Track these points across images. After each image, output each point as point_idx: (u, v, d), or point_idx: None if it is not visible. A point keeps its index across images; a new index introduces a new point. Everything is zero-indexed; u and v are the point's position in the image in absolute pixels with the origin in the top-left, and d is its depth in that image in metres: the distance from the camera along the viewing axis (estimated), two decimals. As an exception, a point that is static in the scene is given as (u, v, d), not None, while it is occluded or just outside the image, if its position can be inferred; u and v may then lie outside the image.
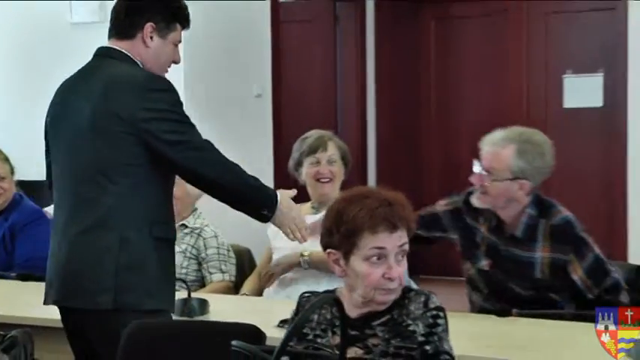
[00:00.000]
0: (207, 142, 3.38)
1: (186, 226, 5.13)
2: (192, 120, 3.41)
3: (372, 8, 8.89)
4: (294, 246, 3.87)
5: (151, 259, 3.38)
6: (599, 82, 8.30)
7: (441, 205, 4.25)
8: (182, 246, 4.98)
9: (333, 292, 2.95)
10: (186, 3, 3.58)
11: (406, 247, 2.81)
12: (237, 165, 3.41)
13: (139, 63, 3.47)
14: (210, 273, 5.04)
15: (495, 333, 3.64)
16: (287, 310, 3.18)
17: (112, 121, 3.30)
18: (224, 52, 7.46)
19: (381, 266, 2.76)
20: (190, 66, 6.89)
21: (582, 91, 8.37)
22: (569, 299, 3.98)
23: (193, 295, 4.10)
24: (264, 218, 3.44)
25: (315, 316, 2.87)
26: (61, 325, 3.58)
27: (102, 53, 3.53)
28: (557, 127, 8.17)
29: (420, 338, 2.75)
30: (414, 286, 3.55)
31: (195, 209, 5.23)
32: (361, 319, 2.82)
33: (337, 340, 2.73)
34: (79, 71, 3.56)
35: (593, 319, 3.75)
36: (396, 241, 2.78)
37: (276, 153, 7.50)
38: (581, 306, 3.94)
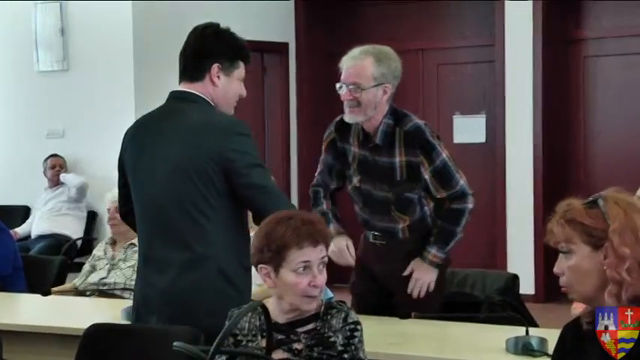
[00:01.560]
0: (277, 189, 3.29)
1: (135, 245, 5.08)
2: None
3: (294, 60, 8.88)
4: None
5: (244, 286, 3.23)
6: (482, 121, 8.39)
7: (323, 151, 4.10)
8: (131, 262, 4.91)
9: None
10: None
11: (326, 259, 2.78)
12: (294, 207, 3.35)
13: (210, 102, 3.30)
14: None
15: (398, 332, 3.61)
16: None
17: (202, 159, 3.15)
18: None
19: (307, 276, 2.73)
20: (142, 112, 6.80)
21: (468, 129, 8.44)
22: (424, 198, 3.88)
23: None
24: None
25: (247, 324, 2.82)
26: (30, 330, 3.44)
27: (178, 96, 3.34)
28: (448, 158, 8.21)
29: (340, 348, 2.74)
30: (329, 293, 3.50)
31: None
32: (287, 324, 2.78)
33: (265, 343, 2.71)
34: (159, 113, 3.37)
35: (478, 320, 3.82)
36: (319, 254, 2.75)
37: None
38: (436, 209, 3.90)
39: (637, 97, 7.88)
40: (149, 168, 3.26)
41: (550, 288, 7.70)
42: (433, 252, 3.83)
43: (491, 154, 8.16)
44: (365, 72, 3.72)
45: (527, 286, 6.92)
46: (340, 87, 3.79)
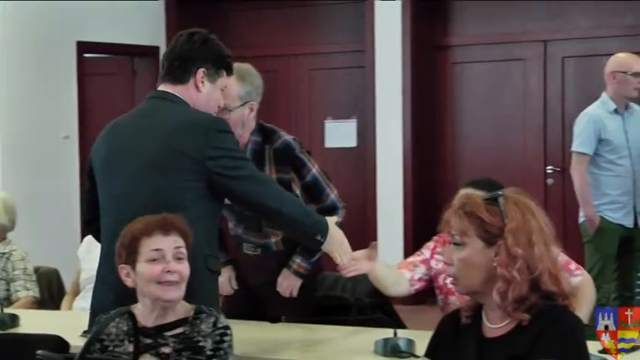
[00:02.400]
0: (267, 175, 3.20)
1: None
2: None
3: (165, 64, 8.79)
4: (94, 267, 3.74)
5: (206, 289, 3.08)
6: (354, 126, 8.46)
7: None
8: None
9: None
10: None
11: (183, 250, 2.77)
12: (293, 196, 3.25)
13: (191, 106, 3.22)
14: (17, 290, 4.90)
15: (268, 336, 3.61)
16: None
17: (179, 157, 3.04)
18: (36, 99, 7.25)
19: (160, 263, 2.72)
20: (6, 110, 6.64)
21: (340, 133, 8.50)
22: None
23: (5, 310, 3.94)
24: (317, 244, 3.22)
25: (114, 330, 2.78)
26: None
27: (158, 96, 3.26)
28: (320, 163, 8.24)
29: (209, 352, 2.72)
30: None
31: (5, 238, 5.07)
32: (155, 328, 2.75)
33: (132, 347, 2.68)
34: (136, 112, 3.31)
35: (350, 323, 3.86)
36: (172, 243, 2.75)
37: (82, 186, 7.32)
38: None
39: (501, 103, 8.10)
40: (122, 166, 3.15)
41: (420, 291, 7.81)
42: (298, 262, 3.85)
43: (362, 159, 8.24)
44: (230, 93, 3.70)
45: (397, 288, 7.00)
46: None
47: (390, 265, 3.74)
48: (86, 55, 8.19)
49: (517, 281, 2.34)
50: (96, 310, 3.08)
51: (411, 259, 3.80)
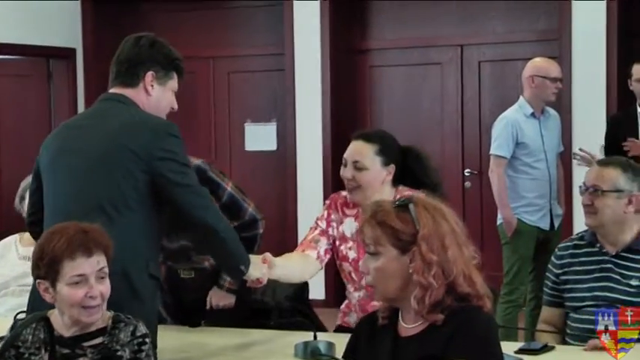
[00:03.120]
0: (205, 190, 3.14)
1: None
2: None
3: (82, 66, 8.67)
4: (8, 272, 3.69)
5: (147, 295, 3.04)
6: (274, 129, 8.45)
7: None
8: None
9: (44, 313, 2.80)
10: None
11: (106, 269, 2.71)
12: (228, 222, 3.25)
13: (140, 107, 3.19)
14: None
15: (188, 342, 3.58)
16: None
17: (127, 156, 3.00)
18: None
19: (82, 287, 2.65)
20: None
21: (260, 136, 8.48)
22: None
23: None
24: (239, 273, 3.20)
25: (31, 337, 2.72)
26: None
27: (109, 98, 3.23)
28: (240, 166, 8.33)
29: None
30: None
31: None
32: (73, 338, 2.70)
33: (48, 357, 2.63)
34: (86, 113, 3.27)
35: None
36: (94, 265, 2.68)
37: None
38: None
39: (419, 106, 8.17)
40: (68, 164, 3.10)
41: (340, 293, 7.84)
42: (229, 280, 3.88)
43: (282, 162, 8.24)
44: None
45: (317, 291, 7.03)
46: None
47: (287, 255, 3.70)
48: (-1, 56, 8.07)
49: (434, 287, 2.36)
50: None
51: (309, 236, 3.77)
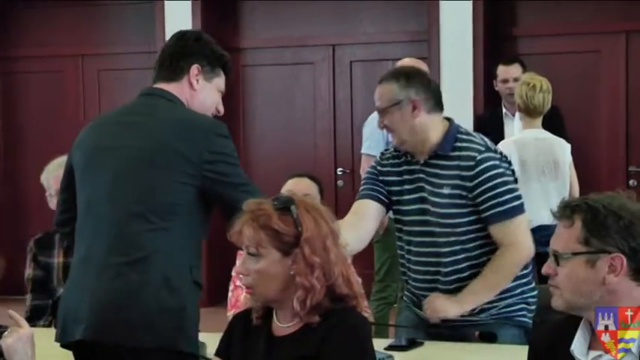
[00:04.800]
0: (258, 187, 2.98)
1: None
2: None
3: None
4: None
5: (190, 302, 2.88)
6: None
7: None
8: None
9: None
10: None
11: None
12: None
13: (185, 104, 3.01)
14: None
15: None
16: None
17: (174, 159, 2.83)
18: None
19: None
20: None
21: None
22: None
23: None
24: None
25: None
26: None
27: (151, 93, 3.03)
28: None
29: None
30: None
31: None
32: None
33: None
34: (124, 109, 3.08)
35: None
36: None
37: None
38: None
39: (292, 106, 8.20)
40: (106, 165, 2.91)
41: (214, 292, 7.81)
42: None
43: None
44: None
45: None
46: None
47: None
48: None
49: (316, 289, 2.37)
50: (68, 317, 2.88)
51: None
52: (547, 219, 4.31)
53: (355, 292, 2.45)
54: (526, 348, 2.50)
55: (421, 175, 3.43)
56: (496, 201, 3.32)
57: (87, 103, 8.49)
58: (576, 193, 5.25)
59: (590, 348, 2.34)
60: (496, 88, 6.25)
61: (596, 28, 7.21)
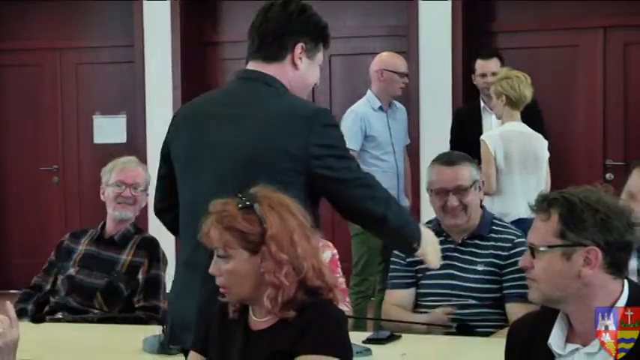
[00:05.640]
0: (372, 176, 2.80)
1: None
2: None
3: None
4: None
5: None
6: (123, 121, 8.33)
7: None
8: None
9: None
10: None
11: None
12: (396, 200, 2.89)
13: (287, 87, 2.78)
14: None
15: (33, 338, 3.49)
16: None
17: (279, 156, 2.63)
18: None
19: None
20: None
21: (109, 129, 8.34)
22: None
23: None
24: (412, 251, 2.88)
25: None
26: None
27: (249, 77, 2.80)
28: (89, 159, 8.20)
29: None
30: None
31: None
32: None
33: None
34: (224, 96, 2.86)
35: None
36: None
37: None
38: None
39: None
40: (207, 162, 2.72)
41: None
42: None
43: (132, 154, 8.05)
44: None
45: (167, 284, 6.96)
46: None
47: None
48: None
49: (286, 285, 2.36)
50: (176, 323, 2.76)
51: None
52: (525, 212, 4.33)
53: (328, 283, 2.44)
54: (503, 341, 2.51)
55: (455, 254, 3.66)
56: (521, 283, 3.35)
57: (64, 96, 8.44)
58: (548, 189, 5.28)
59: (567, 341, 2.35)
60: (474, 82, 6.26)
61: (574, 24, 7.24)
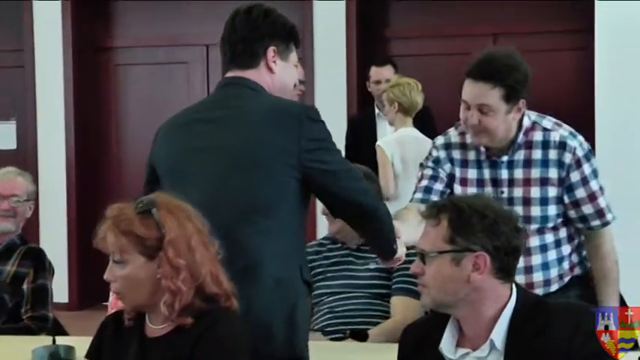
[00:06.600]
0: (357, 171, 2.78)
1: None
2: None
3: None
4: None
5: (302, 304, 2.68)
6: (13, 127, 8.19)
7: None
8: None
9: None
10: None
11: None
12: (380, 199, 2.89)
13: (267, 91, 2.77)
14: None
15: None
16: None
17: (271, 153, 2.62)
18: None
19: None
20: None
21: (-1, 135, 8.22)
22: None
23: None
24: (392, 252, 2.84)
25: None
26: None
27: (232, 83, 2.78)
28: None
29: None
30: None
31: None
32: None
33: None
34: (207, 103, 2.84)
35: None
36: None
37: None
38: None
39: (166, 105, 8.10)
40: (199, 169, 2.68)
41: (84, 296, 7.70)
42: None
43: (22, 161, 7.95)
44: (20, 188, 3.98)
45: (60, 294, 6.84)
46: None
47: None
48: None
49: (183, 291, 2.35)
50: None
51: None
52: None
53: (227, 290, 2.44)
54: (396, 346, 2.54)
55: (350, 259, 3.76)
56: (407, 278, 3.53)
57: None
58: None
59: (458, 345, 2.39)
60: (369, 89, 6.32)
61: (466, 31, 7.37)
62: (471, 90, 3.24)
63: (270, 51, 2.80)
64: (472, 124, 3.20)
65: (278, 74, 2.82)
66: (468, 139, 3.33)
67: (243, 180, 2.62)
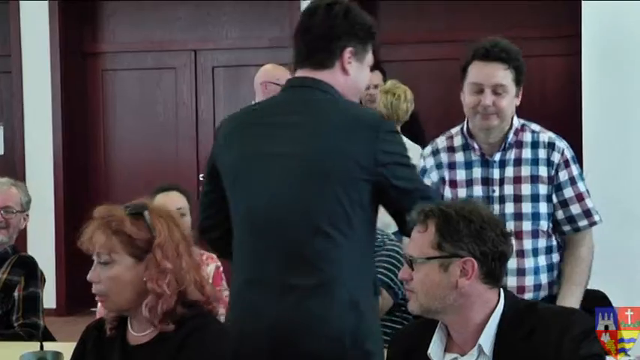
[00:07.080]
0: (431, 189, 2.68)
1: None
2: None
3: None
4: None
5: (376, 322, 2.60)
6: (0, 133, 8.17)
7: None
8: None
9: None
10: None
11: None
12: None
13: (340, 93, 2.63)
14: None
15: None
16: None
17: (346, 164, 2.49)
18: None
19: None
20: None
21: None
22: None
23: None
24: None
25: None
26: None
27: (302, 85, 2.64)
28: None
29: None
30: None
31: None
32: None
33: None
34: (276, 105, 2.69)
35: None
36: None
37: None
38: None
39: (154, 111, 8.13)
40: (264, 171, 2.56)
41: (72, 301, 7.67)
42: None
43: (10, 166, 7.94)
44: (14, 198, 4.03)
45: (48, 300, 6.81)
46: None
47: None
48: None
49: (167, 295, 2.35)
50: (244, 345, 2.52)
51: None
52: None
53: (209, 297, 2.44)
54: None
55: None
56: (386, 272, 3.56)
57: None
58: None
59: (446, 350, 2.40)
60: (358, 95, 6.32)
61: (454, 37, 7.39)
62: (486, 71, 3.22)
63: (347, 52, 2.66)
64: (486, 105, 3.19)
65: (352, 76, 2.68)
66: (456, 142, 3.35)
67: (311, 191, 2.51)
